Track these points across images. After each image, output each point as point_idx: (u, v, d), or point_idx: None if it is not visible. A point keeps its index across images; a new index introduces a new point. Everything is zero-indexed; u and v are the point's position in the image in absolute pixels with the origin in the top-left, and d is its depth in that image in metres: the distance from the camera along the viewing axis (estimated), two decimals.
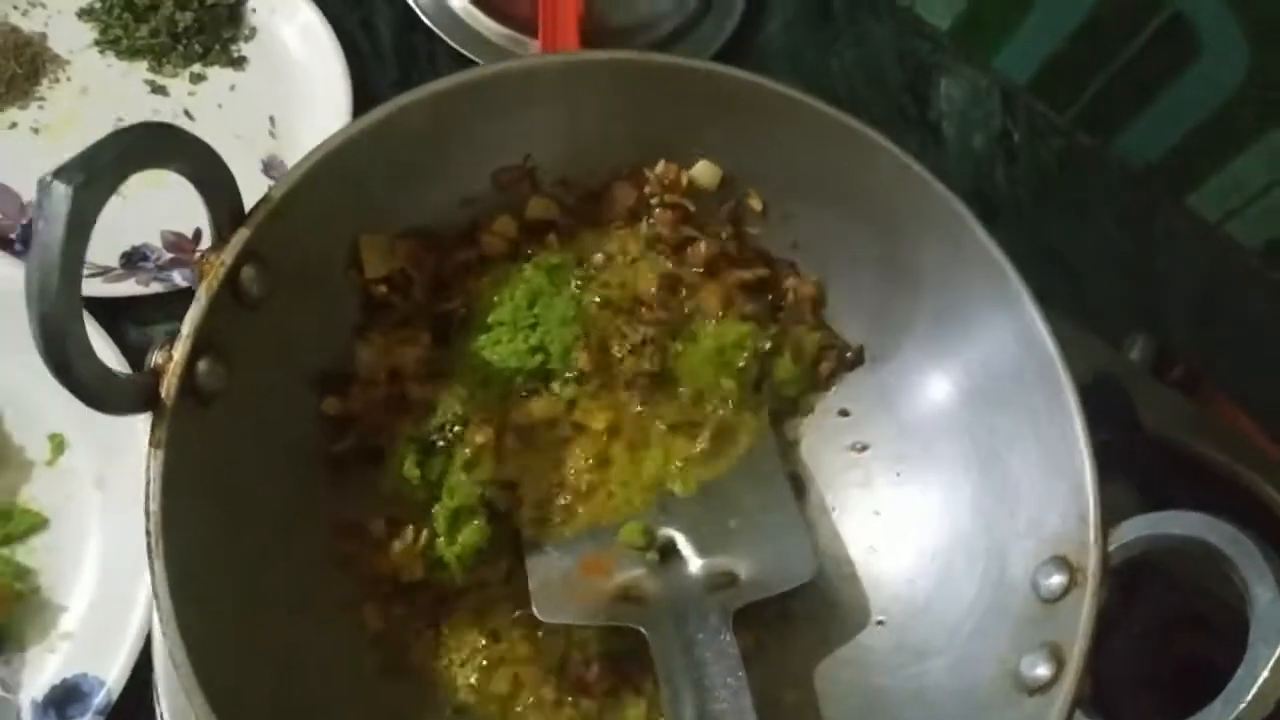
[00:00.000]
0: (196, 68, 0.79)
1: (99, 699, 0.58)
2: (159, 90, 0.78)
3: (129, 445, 0.63)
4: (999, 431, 0.52)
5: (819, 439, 0.58)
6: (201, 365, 0.44)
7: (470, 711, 0.50)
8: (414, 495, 0.51)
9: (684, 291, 0.56)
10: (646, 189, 0.56)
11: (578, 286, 0.55)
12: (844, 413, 0.58)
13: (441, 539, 0.50)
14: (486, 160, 0.54)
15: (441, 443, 0.51)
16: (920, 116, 0.91)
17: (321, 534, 0.50)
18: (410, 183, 0.52)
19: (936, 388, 0.55)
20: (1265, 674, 0.40)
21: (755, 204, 0.57)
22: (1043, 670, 0.46)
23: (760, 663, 0.51)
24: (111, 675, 0.58)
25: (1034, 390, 0.50)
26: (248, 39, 0.81)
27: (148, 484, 0.41)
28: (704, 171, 0.56)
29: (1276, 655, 0.39)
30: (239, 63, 0.80)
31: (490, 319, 0.54)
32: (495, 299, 0.54)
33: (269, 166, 0.77)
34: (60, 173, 0.37)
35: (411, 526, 0.50)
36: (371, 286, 0.52)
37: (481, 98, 0.51)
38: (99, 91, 0.77)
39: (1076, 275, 0.88)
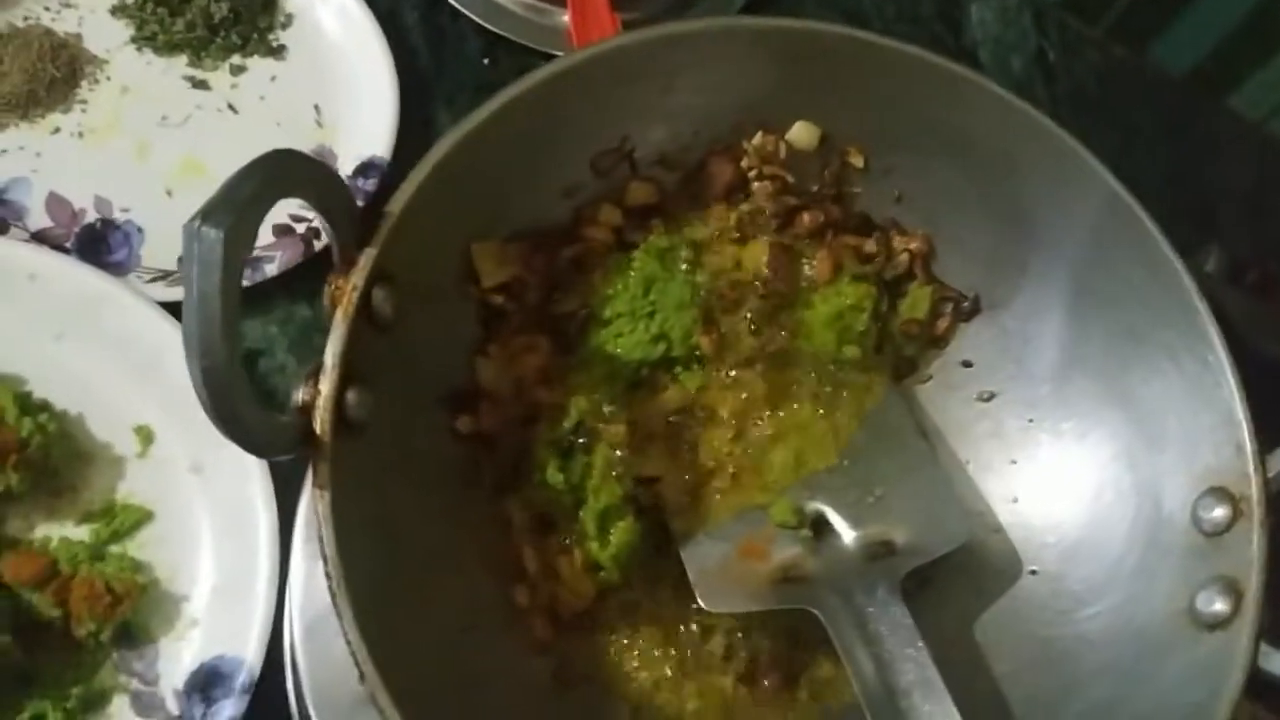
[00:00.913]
0: (236, 59, 0.76)
1: (242, 678, 0.58)
2: (200, 85, 0.75)
3: None
4: (1133, 367, 0.52)
5: (944, 393, 0.57)
6: (350, 396, 0.42)
7: (648, 711, 0.50)
8: (561, 501, 0.50)
9: (796, 262, 0.54)
10: (744, 162, 0.55)
11: (689, 268, 0.53)
12: (967, 364, 0.57)
13: (594, 543, 0.49)
14: (584, 147, 0.53)
15: (579, 442, 0.50)
16: (956, 45, 0.90)
17: (482, 553, 0.49)
18: (513, 181, 0.50)
19: (1060, 329, 0.55)
20: None
21: (856, 161, 0.56)
22: (1220, 605, 0.46)
23: (920, 625, 0.51)
24: (249, 653, 0.58)
25: (1166, 321, 0.50)
26: (285, 26, 0.78)
27: (320, 526, 0.40)
28: (802, 132, 0.55)
29: None
30: (278, 52, 0.78)
31: (608, 313, 0.53)
32: (610, 292, 0.53)
33: (318, 157, 0.74)
34: (207, 217, 0.35)
35: (577, 552, 0.49)
36: (489, 296, 0.50)
37: (576, 84, 0.50)
38: (140, 90, 0.74)
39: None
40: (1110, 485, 0.52)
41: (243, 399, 0.38)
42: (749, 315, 0.53)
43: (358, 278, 0.43)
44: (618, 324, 0.52)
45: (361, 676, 0.39)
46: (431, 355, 0.49)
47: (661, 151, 0.55)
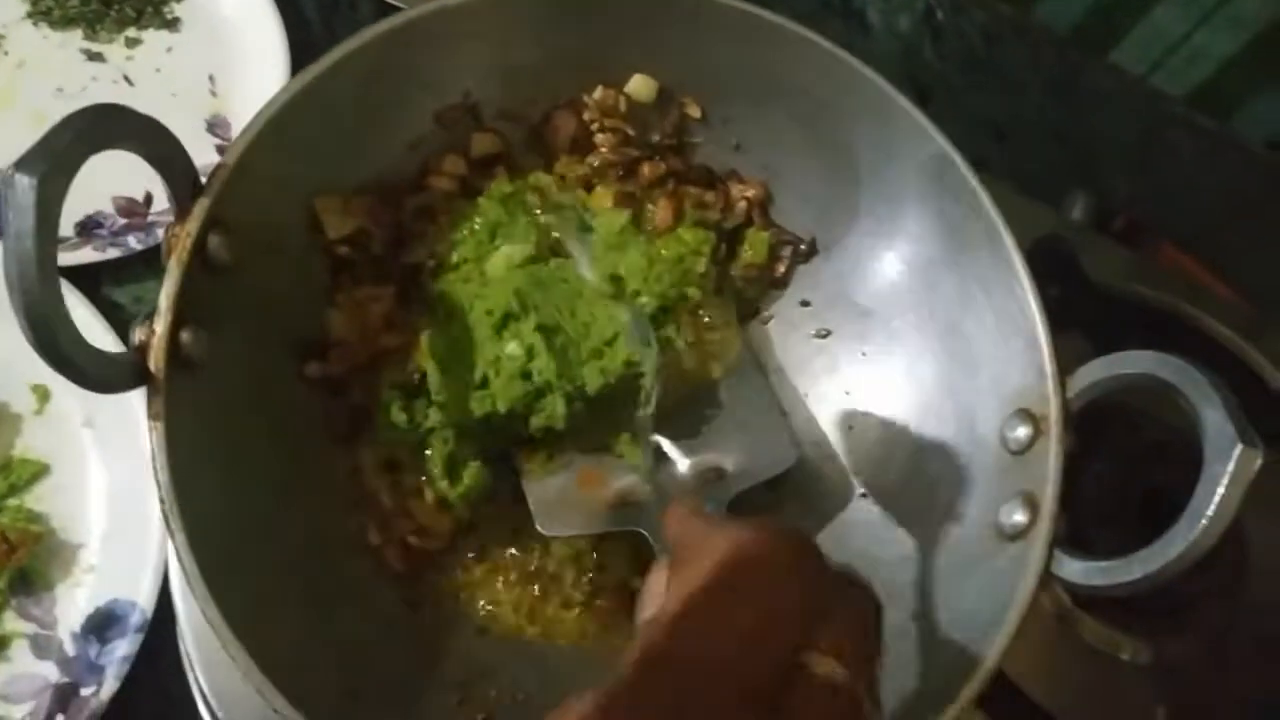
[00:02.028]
0: (131, 32, 0.78)
1: (134, 619, 0.61)
2: (96, 58, 0.78)
3: None
4: (952, 300, 0.55)
5: (784, 331, 0.60)
6: (185, 335, 0.45)
7: (491, 630, 0.53)
8: (407, 440, 0.53)
9: (639, 208, 0.57)
10: (586, 115, 0.57)
11: (535, 212, 0.56)
12: (805, 303, 0.60)
13: (443, 483, 0.52)
14: (427, 101, 0.55)
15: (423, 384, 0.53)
16: (844, 6, 0.92)
17: (335, 489, 0.52)
18: (356, 134, 0.53)
19: (889, 267, 0.58)
20: (1221, 489, 0.42)
21: (694, 111, 0.58)
22: (1020, 517, 0.49)
23: None
24: (141, 595, 0.62)
25: (979, 255, 0.53)
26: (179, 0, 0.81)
27: (153, 456, 0.43)
28: (640, 85, 0.57)
29: (1229, 469, 0.42)
30: (173, 24, 0.80)
31: (455, 257, 0.55)
32: (455, 238, 0.55)
33: (213, 126, 0.77)
34: (22, 165, 0.38)
35: (428, 492, 0.51)
36: (335, 248, 0.53)
37: (415, 39, 0.52)
38: (36, 64, 0.77)
39: (1012, 145, 0.90)
40: (933, 411, 0.55)
41: (69, 338, 0.41)
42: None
43: (191, 225, 0.46)
44: (465, 269, 0.55)
45: (195, 594, 0.42)
46: (279, 302, 0.51)
47: (503, 106, 0.57)
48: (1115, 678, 0.67)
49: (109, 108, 0.42)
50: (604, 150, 0.57)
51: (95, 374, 0.43)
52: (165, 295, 0.45)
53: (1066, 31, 0.94)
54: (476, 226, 0.55)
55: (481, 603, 0.53)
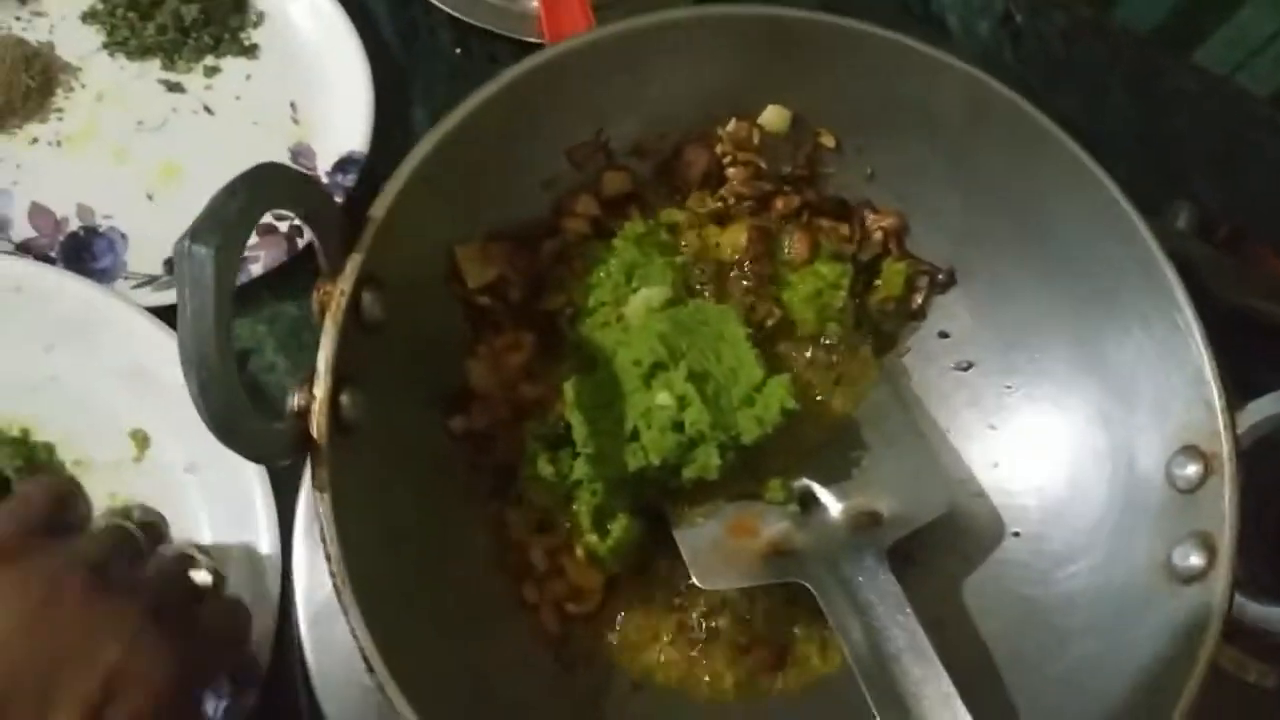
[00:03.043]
0: (209, 60, 0.76)
1: (249, 671, 0.59)
2: (175, 88, 0.75)
3: None
4: (1105, 331, 0.53)
5: (923, 364, 0.59)
6: (344, 398, 0.43)
7: (646, 685, 0.51)
8: (553, 494, 0.51)
9: (773, 243, 0.55)
10: (719, 149, 0.56)
11: (669, 252, 0.54)
12: (944, 334, 0.59)
13: (592, 536, 0.50)
14: (560, 140, 0.54)
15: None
16: (925, 12, 0.90)
17: (485, 548, 0.50)
18: (492, 176, 0.51)
19: (1032, 296, 0.56)
20: None
21: (828, 141, 0.57)
22: (1196, 560, 0.47)
23: (907, 591, 0.52)
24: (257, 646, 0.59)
25: (1134, 284, 0.52)
26: (256, 25, 0.78)
27: (322, 527, 0.41)
28: (773, 116, 0.56)
29: None
30: (251, 51, 0.78)
31: (591, 301, 0.54)
32: (592, 281, 0.54)
33: (297, 154, 0.75)
34: (196, 237, 0.36)
35: (578, 547, 0.50)
36: (475, 296, 0.51)
37: (550, 79, 0.50)
38: (115, 96, 0.75)
39: (1097, 149, 0.88)
40: (1087, 447, 0.54)
41: (241, 410, 0.39)
42: (737, 293, 0.54)
43: (345, 283, 0.44)
44: (602, 312, 0.53)
45: (370, 669, 0.41)
46: (422, 355, 0.50)
47: (636, 141, 0.55)
48: (1241, 701, 0.66)
49: (267, 169, 0.41)
50: (736, 184, 0.55)
51: (263, 446, 0.41)
52: (324, 357, 0.43)
53: (1147, 32, 0.92)
54: (612, 269, 0.53)
55: (635, 658, 0.52)
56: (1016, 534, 0.55)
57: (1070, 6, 0.93)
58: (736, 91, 0.55)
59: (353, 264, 0.44)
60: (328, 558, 0.41)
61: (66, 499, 0.48)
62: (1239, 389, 0.51)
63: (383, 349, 0.46)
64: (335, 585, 0.41)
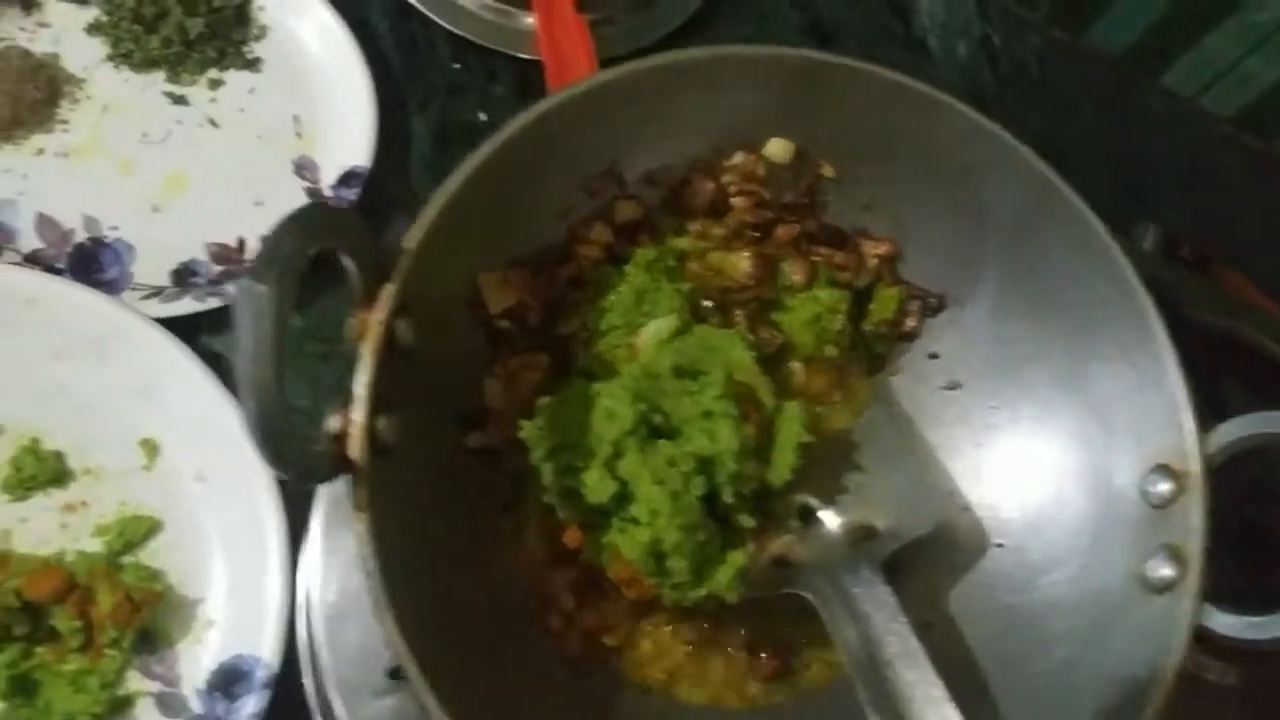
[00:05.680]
0: (213, 73, 0.78)
1: (260, 674, 0.61)
2: (179, 100, 0.77)
3: (219, 435, 0.65)
4: (1087, 358, 0.56)
5: (914, 384, 0.62)
6: (380, 422, 0.46)
7: (654, 691, 0.54)
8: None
9: (775, 268, 0.58)
10: (724, 179, 0.58)
11: (676, 278, 0.57)
12: (933, 355, 0.62)
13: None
14: (576, 171, 0.56)
15: None
16: (906, 34, 0.94)
17: (507, 562, 0.53)
18: (513, 208, 0.53)
19: (1018, 322, 0.59)
20: None
21: (829, 172, 0.59)
22: (1166, 571, 0.50)
23: (900, 601, 0.55)
24: (265, 650, 0.62)
25: (1117, 317, 0.54)
26: (259, 39, 0.80)
27: (362, 545, 0.44)
28: (777, 148, 0.58)
29: None
30: (254, 64, 0.79)
31: (603, 325, 0.56)
32: (604, 305, 0.56)
33: (300, 168, 0.76)
34: (257, 275, 0.39)
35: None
36: (495, 321, 0.54)
37: (571, 117, 0.53)
38: (120, 108, 0.76)
39: (1068, 167, 0.92)
40: (1067, 464, 0.57)
41: (289, 436, 0.41)
42: (741, 318, 0.57)
43: (381, 312, 0.46)
44: (614, 335, 0.56)
45: (403, 676, 0.43)
46: (447, 377, 0.52)
47: (647, 171, 0.58)
48: (1200, 699, 0.70)
49: (314, 208, 0.43)
50: (740, 212, 0.58)
51: (307, 469, 0.43)
52: (362, 384, 0.45)
53: (1118, 54, 0.96)
54: (623, 293, 0.56)
55: (645, 666, 0.55)
56: (1000, 545, 0.58)
57: (1045, 29, 0.96)
58: (745, 126, 0.57)
59: (388, 294, 0.46)
60: (366, 576, 0.43)
61: None
62: (1209, 404, 0.54)
63: (413, 372, 0.48)
64: (375, 602, 0.43)
